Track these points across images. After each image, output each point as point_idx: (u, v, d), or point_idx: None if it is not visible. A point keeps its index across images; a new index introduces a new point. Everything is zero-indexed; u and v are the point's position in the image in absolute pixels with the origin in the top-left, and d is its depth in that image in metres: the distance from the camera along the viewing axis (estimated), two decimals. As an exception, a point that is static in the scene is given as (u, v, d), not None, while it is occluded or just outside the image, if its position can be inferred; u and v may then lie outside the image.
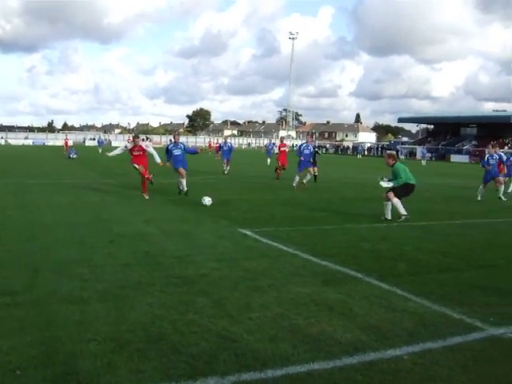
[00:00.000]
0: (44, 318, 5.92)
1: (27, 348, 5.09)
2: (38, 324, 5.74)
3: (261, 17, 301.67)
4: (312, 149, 24.88)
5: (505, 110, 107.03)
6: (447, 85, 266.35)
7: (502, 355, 5.41)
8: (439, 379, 4.81)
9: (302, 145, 25.12)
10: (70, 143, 73.83)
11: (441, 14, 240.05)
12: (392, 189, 14.07)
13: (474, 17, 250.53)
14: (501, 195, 21.61)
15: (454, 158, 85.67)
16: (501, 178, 22.22)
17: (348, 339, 5.61)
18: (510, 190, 24.08)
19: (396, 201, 13.95)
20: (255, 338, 5.55)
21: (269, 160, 42.61)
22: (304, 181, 23.41)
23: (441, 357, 5.28)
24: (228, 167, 31.70)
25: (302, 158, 23.73)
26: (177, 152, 19.37)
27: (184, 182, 18.88)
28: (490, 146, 23.32)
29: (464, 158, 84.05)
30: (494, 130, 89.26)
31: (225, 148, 31.87)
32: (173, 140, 20.29)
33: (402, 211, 13.95)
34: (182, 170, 18.98)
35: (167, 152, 19.64)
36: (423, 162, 64.00)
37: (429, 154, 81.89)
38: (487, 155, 22.72)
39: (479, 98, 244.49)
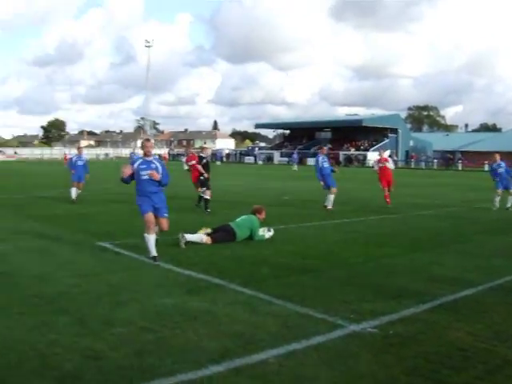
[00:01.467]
0: None
1: None
2: None
3: (118, 24, 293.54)
4: None
5: (356, 114, 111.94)
6: (303, 91, 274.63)
7: (364, 350, 5.64)
8: (306, 379, 4.93)
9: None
10: None
11: (296, 22, 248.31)
12: None
13: (328, 25, 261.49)
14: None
15: (310, 161, 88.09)
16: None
17: (214, 347, 5.60)
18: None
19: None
20: (120, 353, 5.41)
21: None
22: None
23: (306, 357, 5.41)
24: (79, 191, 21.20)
25: None
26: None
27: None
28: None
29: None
30: (347, 133, 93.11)
31: (79, 163, 21.39)
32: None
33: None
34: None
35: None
36: (295, 167, 65.27)
37: (287, 159, 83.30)
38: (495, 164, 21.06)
39: (333, 103, 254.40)
